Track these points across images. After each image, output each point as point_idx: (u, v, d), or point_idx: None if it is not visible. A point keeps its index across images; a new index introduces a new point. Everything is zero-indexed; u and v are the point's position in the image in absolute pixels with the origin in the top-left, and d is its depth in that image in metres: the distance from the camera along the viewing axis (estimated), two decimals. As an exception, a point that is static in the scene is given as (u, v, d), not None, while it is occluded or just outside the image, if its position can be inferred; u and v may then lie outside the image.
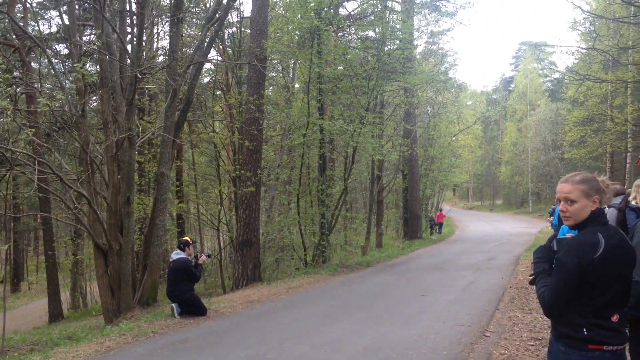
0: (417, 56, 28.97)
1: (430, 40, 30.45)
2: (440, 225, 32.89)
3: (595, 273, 2.55)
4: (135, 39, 12.92)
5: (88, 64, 15.20)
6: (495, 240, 24.62)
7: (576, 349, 2.60)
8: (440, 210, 34.16)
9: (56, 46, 20.37)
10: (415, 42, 25.32)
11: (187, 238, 9.86)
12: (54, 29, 21.97)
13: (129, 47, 12.70)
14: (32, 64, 20.12)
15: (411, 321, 8.09)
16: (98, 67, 13.05)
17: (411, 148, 25.96)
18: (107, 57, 11.38)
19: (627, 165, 28.25)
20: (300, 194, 17.90)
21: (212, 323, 8.72)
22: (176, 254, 9.53)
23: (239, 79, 20.24)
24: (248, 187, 14.98)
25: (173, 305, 9.26)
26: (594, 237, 2.61)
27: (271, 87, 25.74)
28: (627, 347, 2.96)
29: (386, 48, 18.68)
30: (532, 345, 6.50)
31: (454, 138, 36.46)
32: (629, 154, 28.23)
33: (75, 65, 10.71)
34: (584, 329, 2.57)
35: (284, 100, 21.60)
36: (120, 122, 11.34)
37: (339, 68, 18.92)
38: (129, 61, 11.87)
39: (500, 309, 8.79)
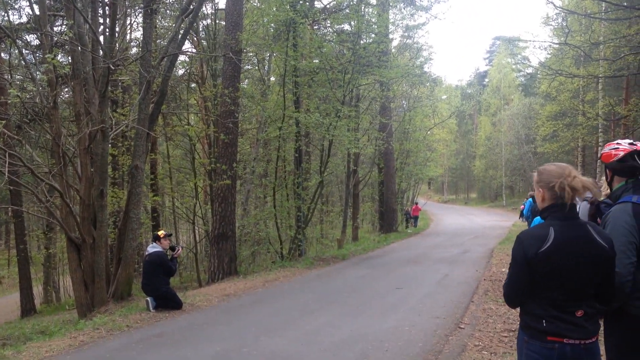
0: (393, 50, 29.06)
1: (406, 34, 30.58)
2: (416, 218, 33.14)
3: (542, 267, 2.59)
4: (107, 29, 12.75)
5: (59, 55, 14.96)
6: (470, 233, 24.88)
7: (537, 339, 2.65)
8: (416, 203, 34.40)
9: (27, 37, 19.94)
10: (390, 36, 25.42)
11: (159, 232, 9.77)
12: (24, 19, 21.49)
13: (101, 38, 12.52)
14: (2, 54, 19.67)
15: (387, 314, 8.14)
16: (70, 58, 12.86)
17: (387, 142, 26.08)
18: (79, 48, 11.19)
19: (598, 161, 28.75)
20: (276, 188, 17.86)
21: (187, 317, 8.66)
22: (152, 247, 9.44)
23: (214, 71, 20.09)
24: (224, 180, 14.90)
25: (148, 299, 9.18)
26: (545, 231, 2.64)
27: (246, 80, 25.61)
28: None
29: (362, 41, 18.68)
30: (505, 336, 6.60)
31: (429, 132, 36.74)
32: (599, 148, 28.69)
33: (46, 56, 10.54)
34: (544, 321, 2.62)
35: (259, 93, 21.49)
36: (93, 114, 11.17)
37: (314, 61, 18.88)
38: (101, 52, 11.69)
39: (474, 302, 8.90)
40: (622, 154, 3.17)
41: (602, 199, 4.56)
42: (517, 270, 2.68)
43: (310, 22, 19.80)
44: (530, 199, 15.26)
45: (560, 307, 2.61)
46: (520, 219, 20.90)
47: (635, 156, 3.15)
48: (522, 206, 18.41)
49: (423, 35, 65.76)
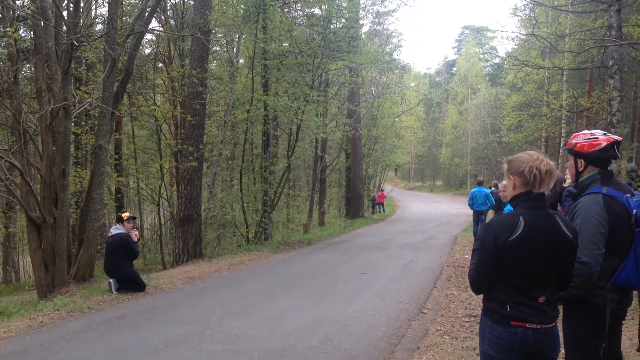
0: (363, 36, 29.02)
1: (376, 20, 30.68)
2: (380, 205, 33.37)
3: (511, 255, 2.63)
4: (72, 4, 12.41)
5: (21, 29, 14.51)
6: (435, 220, 25.18)
7: (500, 324, 2.69)
8: (382, 190, 34.64)
9: (-14, 9, 19.30)
10: (361, 22, 25.36)
11: (123, 214, 9.63)
12: (-16, -9, 20.79)
13: (65, 13, 12.17)
14: (-40, 27, 18.99)
15: (351, 298, 8.19)
16: (32, 32, 12.48)
17: (355, 128, 26.12)
18: (42, 22, 10.84)
19: (560, 151, 29.29)
20: (243, 171, 17.74)
21: (150, 299, 8.58)
22: (115, 229, 9.31)
23: (181, 51, 19.78)
24: (190, 162, 14.72)
25: (111, 280, 9.06)
26: (515, 220, 2.67)
27: (215, 62, 25.27)
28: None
29: (332, 26, 18.60)
30: (467, 321, 6.71)
31: (397, 119, 36.92)
32: (562, 139, 29.23)
33: (7, 29, 10.21)
34: (508, 306, 2.67)
35: (227, 75, 21.24)
36: (55, 91, 10.88)
37: (284, 45, 18.73)
38: (65, 27, 11.36)
39: (437, 287, 9.02)
40: (604, 144, 3.19)
41: (565, 185, 4.63)
42: (485, 258, 2.70)
43: (281, 4, 19.62)
44: (479, 187, 14.76)
45: (524, 293, 2.65)
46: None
47: (615, 146, 3.20)
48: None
49: (393, 22, 65.78)
